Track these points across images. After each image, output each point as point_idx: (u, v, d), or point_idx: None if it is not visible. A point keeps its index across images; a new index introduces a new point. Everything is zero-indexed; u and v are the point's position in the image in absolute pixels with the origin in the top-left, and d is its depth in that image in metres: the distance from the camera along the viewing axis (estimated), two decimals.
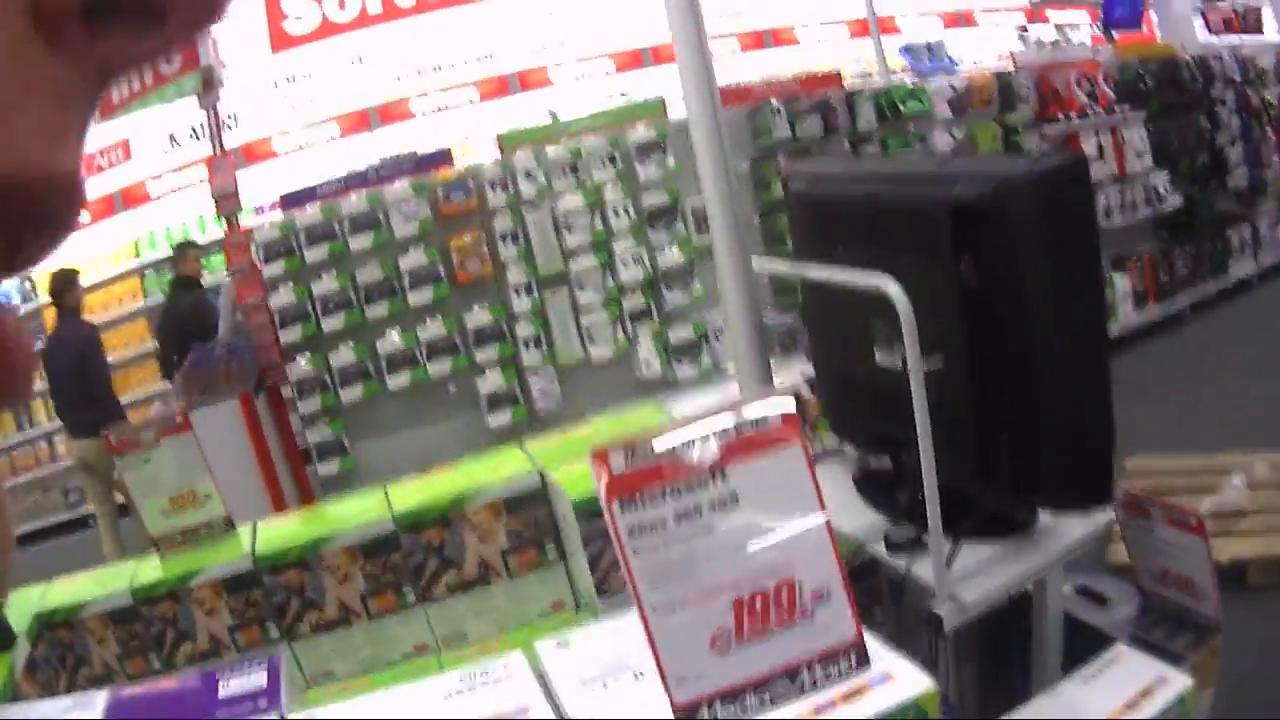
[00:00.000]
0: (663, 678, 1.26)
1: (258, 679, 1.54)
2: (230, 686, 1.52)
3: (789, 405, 1.30)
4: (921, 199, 1.96)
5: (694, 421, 1.28)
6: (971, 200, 1.82)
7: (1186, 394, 6.56)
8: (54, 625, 2.03)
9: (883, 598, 2.29)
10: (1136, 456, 5.30)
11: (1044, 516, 2.09)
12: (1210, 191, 8.95)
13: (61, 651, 2.04)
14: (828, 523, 1.28)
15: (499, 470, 2.24)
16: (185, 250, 7.30)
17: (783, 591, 1.27)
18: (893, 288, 1.75)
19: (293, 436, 5.81)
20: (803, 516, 1.28)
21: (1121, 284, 7.87)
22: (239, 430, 5.28)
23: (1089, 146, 7.76)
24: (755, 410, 1.29)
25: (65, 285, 6.59)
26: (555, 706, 1.41)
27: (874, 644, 1.38)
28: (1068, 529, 2.06)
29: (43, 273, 7.15)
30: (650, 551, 1.24)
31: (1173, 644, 2.10)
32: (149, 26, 0.33)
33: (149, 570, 2.15)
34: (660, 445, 1.27)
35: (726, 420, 1.28)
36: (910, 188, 2.04)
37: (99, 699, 1.50)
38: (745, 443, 1.27)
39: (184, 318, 6.78)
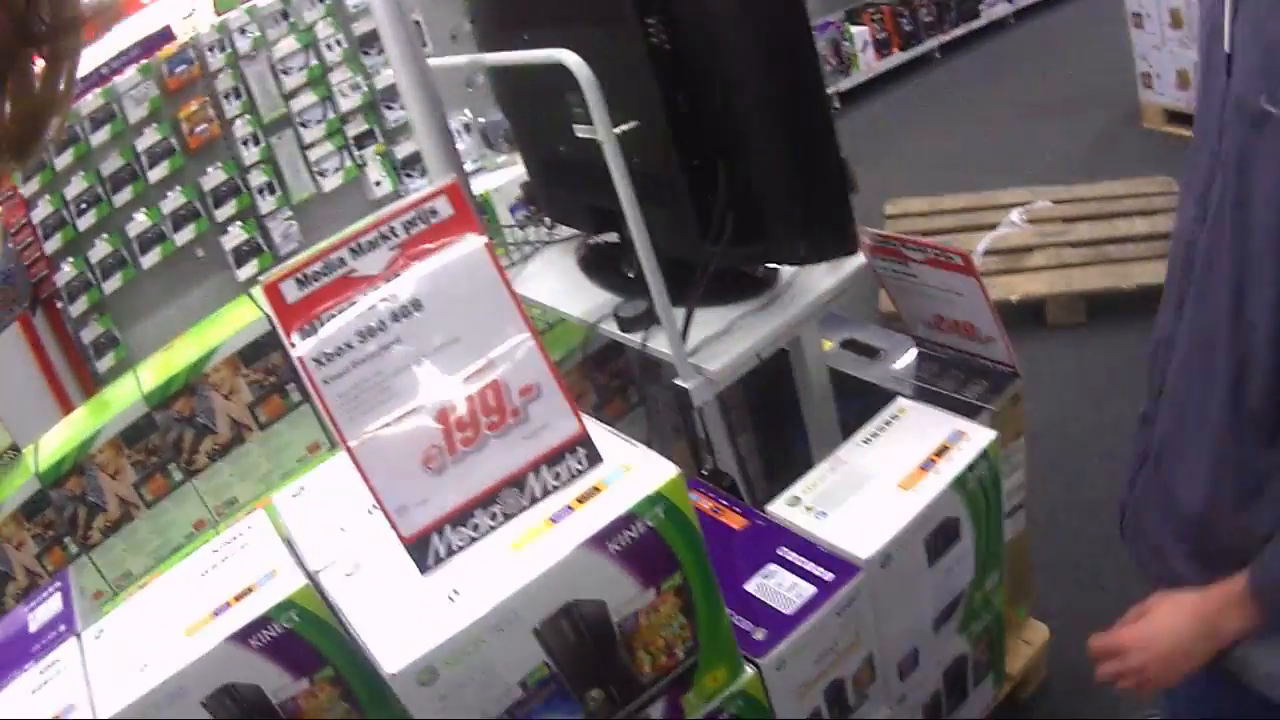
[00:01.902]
0: (385, 512, 1.16)
1: (54, 604, 1.51)
2: (38, 618, 1.49)
3: (455, 196, 1.18)
4: None
5: (359, 234, 1.16)
6: None
7: (945, 135, 6.59)
8: None
9: (636, 378, 2.23)
10: (897, 200, 5.30)
11: (790, 273, 2.02)
12: None
13: None
14: (521, 310, 1.18)
15: (231, 324, 2.17)
16: None
17: (488, 394, 1.17)
18: (568, 57, 1.64)
19: (71, 343, 5.69)
20: (494, 313, 1.17)
21: (860, 34, 7.89)
22: (23, 351, 5.20)
23: None
24: (421, 209, 1.17)
25: None
26: (300, 563, 1.32)
27: (606, 435, 1.29)
28: (814, 282, 1.98)
29: None
30: (340, 378, 1.14)
31: (964, 394, 2.05)
32: None
33: None
34: (329, 264, 1.15)
35: (393, 224, 1.17)
36: None
37: None
38: (415, 242, 1.17)
39: None
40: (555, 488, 1.21)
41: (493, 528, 1.20)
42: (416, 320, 1.15)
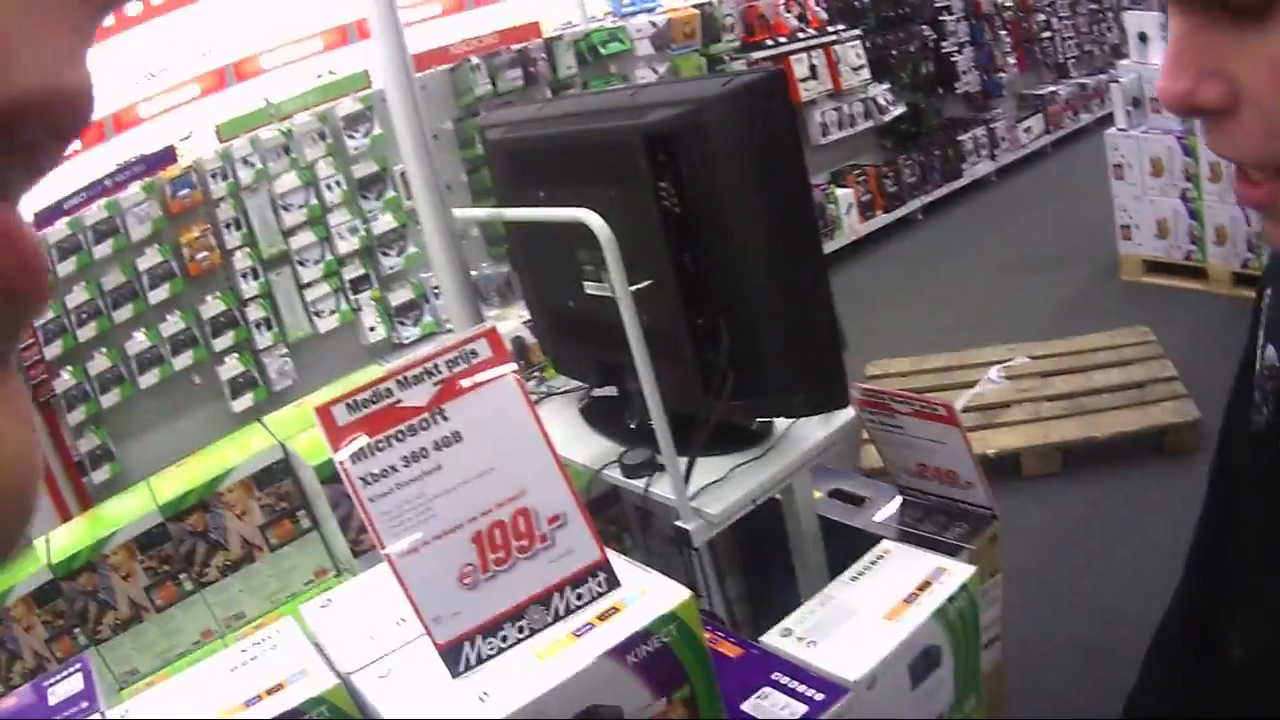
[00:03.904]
0: (421, 621, 1.27)
1: (76, 683, 1.56)
2: (57, 693, 1.54)
3: (494, 340, 1.31)
4: (615, 130, 1.96)
5: (407, 369, 1.28)
6: (664, 125, 1.83)
7: (927, 296, 6.73)
8: None
9: (630, 524, 2.32)
10: (878, 361, 5.41)
11: (780, 424, 2.13)
12: (936, 99, 9.18)
13: None
14: (551, 447, 1.30)
15: (245, 448, 2.23)
16: None
17: (519, 520, 1.28)
18: (590, 217, 1.75)
19: (67, 450, 5.73)
20: (525, 443, 1.29)
21: (845, 197, 8.07)
22: None
23: (800, 69, 7.96)
24: (464, 349, 1.30)
25: None
26: (329, 663, 1.41)
27: (624, 564, 1.40)
28: (808, 434, 2.09)
29: None
30: (385, 497, 1.25)
31: (946, 536, 2.14)
32: None
33: None
34: (378, 394, 1.27)
35: (437, 362, 1.29)
36: (603, 121, 2.05)
37: None
38: (457, 380, 1.29)
39: None
40: (578, 607, 1.31)
41: (520, 639, 1.29)
42: (457, 450, 1.27)
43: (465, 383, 1.29)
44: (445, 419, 1.27)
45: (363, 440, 1.27)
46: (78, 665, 1.61)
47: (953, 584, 1.88)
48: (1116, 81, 5.99)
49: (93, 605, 2.13)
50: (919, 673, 1.84)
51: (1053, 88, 10.21)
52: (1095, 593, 3.45)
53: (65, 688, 1.56)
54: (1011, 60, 9.85)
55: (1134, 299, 5.75)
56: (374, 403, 1.27)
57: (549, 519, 1.29)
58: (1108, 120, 6.46)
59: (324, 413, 1.27)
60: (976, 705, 2.07)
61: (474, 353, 1.30)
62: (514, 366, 1.30)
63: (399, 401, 1.28)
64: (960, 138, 9.04)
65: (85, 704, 1.50)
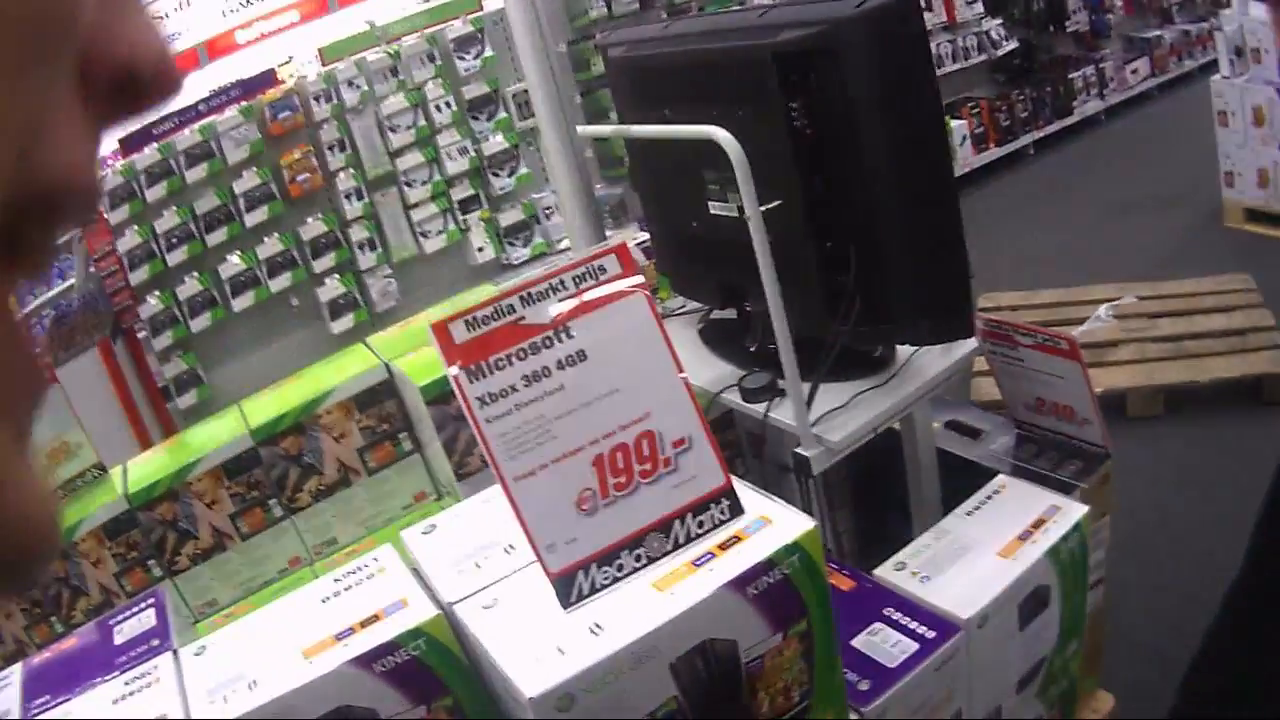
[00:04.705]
0: (534, 548, 1.22)
1: (147, 619, 1.51)
2: (124, 632, 1.49)
3: (624, 255, 1.26)
4: (745, 49, 1.93)
5: (531, 284, 1.24)
6: (796, 44, 1.80)
7: (1037, 231, 6.66)
8: None
9: (743, 451, 2.28)
10: (990, 293, 5.35)
11: (902, 353, 2.09)
12: (1046, 36, 9.04)
13: None
14: (680, 368, 1.25)
15: (346, 370, 2.21)
16: None
17: (643, 443, 1.24)
18: (721, 134, 1.72)
19: (151, 376, 5.74)
20: (653, 364, 1.25)
21: (959, 128, 7.97)
22: (101, 377, 5.17)
23: None
24: (591, 265, 1.25)
25: None
26: (431, 593, 1.38)
27: (747, 491, 1.36)
28: (928, 364, 2.05)
29: None
30: (503, 419, 1.21)
31: (1060, 473, 2.10)
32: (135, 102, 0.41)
33: None
34: (500, 310, 1.23)
35: (564, 277, 1.25)
36: (733, 40, 2.00)
37: (14, 674, 1.46)
38: (583, 296, 1.24)
39: None
40: (698, 535, 1.27)
41: (636, 569, 1.26)
42: (581, 369, 1.22)
43: (592, 300, 1.24)
44: (570, 337, 1.23)
45: (481, 358, 1.22)
46: (150, 600, 1.57)
47: (1066, 523, 1.84)
48: (1219, 29, 5.85)
49: (171, 535, 2.11)
50: (1027, 613, 1.81)
51: (1158, 31, 10.01)
52: (1193, 539, 3.39)
53: (134, 624, 1.51)
54: (1119, 1, 9.67)
55: (1236, 246, 5.63)
56: (495, 319, 1.23)
57: (674, 442, 1.25)
58: (1211, 67, 6.35)
59: (441, 329, 1.22)
60: (1077, 650, 2.04)
61: (602, 268, 1.25)
62: (644, 282, 1.25)
63: (521, 319, 1.23)
64: (1071, 76, 8.90)
65: (156, 641, 1.45)
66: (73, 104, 0.37)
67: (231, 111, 5.79)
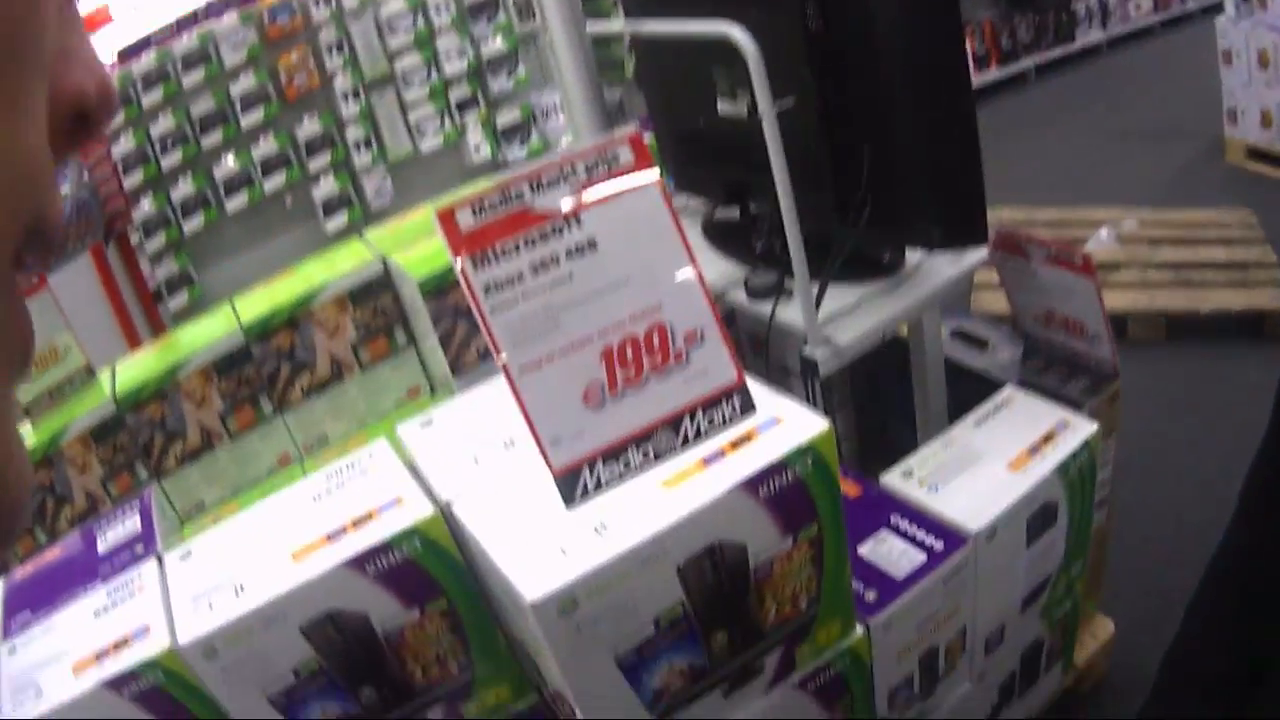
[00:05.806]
0: (538, 442, 1.17)
1: (131, 524, 1.48)
2: (109, 539, 1.46)
3: (638, 144, 1.21)
4: None
5: (541, 171, 1.19)
6: None
7: (1036, 153, 6.60)
8: None
9: (744, 353, 2.26)
10: (990, 208, 5.32)
11: (915, 258, 2.05)
12: None
13: None
14: (693, 260, 1.20)
15: (340, 265, 2.16)
16: None
17: (654, 336, 1.19)
18: (735, 30, 1.68)
19: (143, 278, 5.70)
20: (665, 255, 1.19)
21: None
22: (93, 282, 5.20)
23: None
24: (602, 152, 1.20)
25: None
26: (427, 490, 1.34)
27: (759, 389, 1.32)
28: (937, 269, 2.02)
29: None
30: (509, 307, 1.16)
31: (1067, 389, 2.08)
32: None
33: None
34: (507, 196, 1.18)
35: (575, 165, 1.19)
36: None
37: None
38: (594, 183, 1.19)
39: None
40: (708, 432, 1.22)
41: (644, 466, 1.21)
42: (591, 259, 1.17)
43: (604, 188, 1.19)
44: (580, 225, 1.18)
45: (487, 246, 1.17)
46: (135, 505, 1.53)
47: (1076, 439, 1.82)
48: None
49: (158, 435, 2.06)
50: (1035, 529, 1.80)
51: None
52: (1194, 467, 3.37)
53: (119, 531, 1.48)
54: None
55: (1238, 182, 5.57)
56: (502, 206, 1.18)
57: (686, 335, 1.20)
58: (1215, 10, 6.30)
59: (446, 216, 1.17)
60: (1082, 569, 2.02)
61: (615, 157, 1.20)
62: (657, 172, 1.20)
63: (530, 207, 1.18)
64: (1074, 4, 8.82)
65: (140, 548, 1.42)
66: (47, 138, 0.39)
67: (230, 17, 5.72)
